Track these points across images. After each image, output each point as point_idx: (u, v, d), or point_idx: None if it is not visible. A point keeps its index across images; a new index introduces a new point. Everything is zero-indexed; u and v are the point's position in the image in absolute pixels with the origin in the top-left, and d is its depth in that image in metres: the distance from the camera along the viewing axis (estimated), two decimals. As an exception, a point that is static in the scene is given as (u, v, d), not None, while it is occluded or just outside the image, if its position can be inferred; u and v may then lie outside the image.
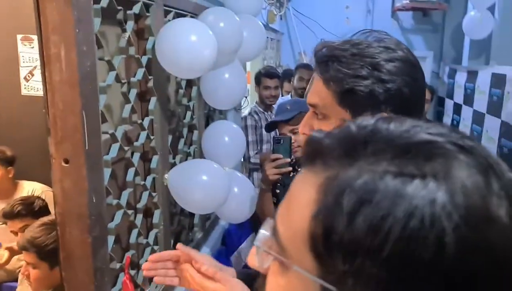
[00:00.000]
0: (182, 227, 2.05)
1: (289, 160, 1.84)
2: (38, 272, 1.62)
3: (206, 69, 1.52)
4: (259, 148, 3.20)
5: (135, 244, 1.49)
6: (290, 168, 1.87)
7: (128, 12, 1.38)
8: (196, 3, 1.92)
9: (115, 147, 1.30)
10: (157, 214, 1.63)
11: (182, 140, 1.92)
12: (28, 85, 3.04)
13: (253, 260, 0.43)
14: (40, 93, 3.02)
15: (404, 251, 0.31)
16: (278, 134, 2.00)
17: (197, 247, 2.15)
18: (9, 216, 2.09)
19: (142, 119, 1.52)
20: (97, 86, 1.13)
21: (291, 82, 3.81)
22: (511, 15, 3.81)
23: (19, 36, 2.93)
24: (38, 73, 2.98)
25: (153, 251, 1.60)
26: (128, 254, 1.41)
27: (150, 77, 1.52)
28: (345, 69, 0.74)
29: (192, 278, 0.93)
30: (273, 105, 3.32)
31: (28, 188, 2.67)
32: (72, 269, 1.14)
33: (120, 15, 1.34)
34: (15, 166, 2.64)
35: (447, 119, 4.96)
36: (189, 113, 2.00)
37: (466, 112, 4.18)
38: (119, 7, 1.30)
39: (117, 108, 1.44)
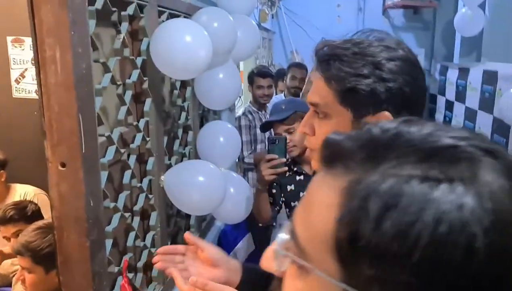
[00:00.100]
0: (179, 228, 2.04)
1: (284, 160, 1.84)
2: (33, 276, 1.60)
3: (202, 70, 1.52)
4: (253, 147, 3.20)
5: (132, 246, 1.47)
6: (286, 168, 1.87)
7: (123, 13, 1.36)
8: (189, 3, 1.91)
9: (111, 150, 1.29)
10: (153, 216, 1.62)
11: (177, 142, 1.91)
12: (19, 88, 3.01)
13: (269, 263, 0.43)
14: (32, 95, 3.00)
15: (433, 256, 0.30)
16: (273, 134, 2.00)
17: (194, 248, 2.14)
18: (2, 221, 2.07)
19: (138, 121, 1.51)
20: (93, 88, 1.12)
21: (284, 81, 3.81)
22: (501, 12, 3.84)
23: (9, 38, 2.89)
24: (29, 75, 2.96)
25: (150, 254, 1.59)
26: (126, 257, 1.40)
27: (145, 78, 1.51)
28: (346, 68, 0.74)
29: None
30: (267, 105, 3.32)
31: (21, 191, 2.64)
32: (70, 273, 1.13)
33: (114, 17, 1.33)
34: (7, 169, 2.61)
35: (439, 116, 4.99)
36: (183, 114, 1.99)
37: (458, 109, 4.21)
38: (114, 9, 1.29)
39: (112, 110, 1.43)
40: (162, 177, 1.63)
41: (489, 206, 0.31)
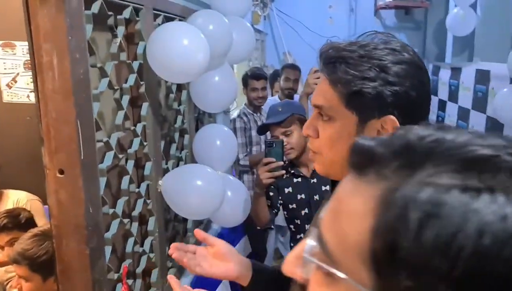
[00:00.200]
0: (176, 232, 2.03)
1: (282, 163, 1.83)
2: (30, 285, 1.58)
3: (199, 73, 1.51)
4: (248, 150, 3.19)
5: (131, 252, 1.46)
6: (283, 171, 1.86)
7: (119, 17, 1.35)
8: (184, 6, 1.90)
9: (109, 155, 1.28)
10: (151, 221, 1.61)
11: (174, 145, 1.90)
12: (10, 93, 2.97)
13: (291, 268, 0.42)
14: (24, 100, 2.97)
15: (476, 268, 0.30)
16: (270, 136, 1.99)
17: (191, 252, 2.12)
18: None
19: (135, 126, 1.50)
20: (91, 94, 1.11)
21: (278, 83, 3.80)
22: (493, 12, 3.87)
23: (-1, 43, 2.87)
24: (21, 80, 2.92)
25: (149, 259, 1.57)
26: (125, 264, 1.39)
27: (141, 82, 1.50)
28: (352, 71, 0.74)
29: None
30: (262, 107, 3.31)
31: (13, 197, 2.60)
32: (70, 282, 1.11)
33: (110, 21, 1.32)
34: (-1, 175, 2.58)
35: (432, 116, 5.01)
36: (179, 118, 1.98)
37: (451, 109, 4.23)
38: (110, 13, 1.28)
39: (109, 115, 1.42)
40: (160, 182, 1.62)
41: None
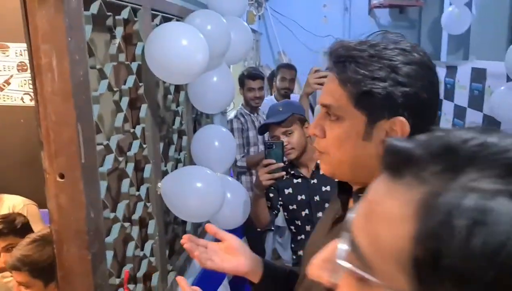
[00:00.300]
0: (176, 235, 2.01)
1: (282, 164, 1.82)
2: (32, 291, 1.55)
3: (198, 74, 1.49)
4: (245, 151, 3.17)
5: (131, 257, 1.44)
6: (283, 173, 1.85)
7: (117, 17, 1.33)
8: (181, 6, 1.87)
9: (109, 158, 1.25)
10: (152, 224, 1.59)
11: (172, 147, 1.88)
12: (3, 95, 2.93)
13: (318, 271, 0.40)
14: (18, 102, 2.94)
15: None
16: (270, 136, 1.97)
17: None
18: None
19: (134, 128, 1.48)
20: (91, 96, 1.08)
21: (274, 83, 3.78)
22: (488, 10, 3.87)
23: (-9, 44, 2.83)
24: (14, 82, 2.89)
25: (149, 263, 1.55)
26: (126, 268, 1.36)
27: (140, 84, 1.47)
28: (363, 70, 0.72)
29: None
30: (259, 107, 3.29)
31: (9, 202, 2.57)
32: (71, 288, 1.09)
33: (109, 21, 1.30)
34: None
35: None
36: (178, 119, 1.96)
37: (447, 107, 4.23)
38: (109, 13, 1.26)
39: (108, 117, 1.40)
40: (159, 184, 1.59)
41: None
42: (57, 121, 1.01)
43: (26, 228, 2.04)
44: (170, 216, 1.88)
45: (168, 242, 1.83)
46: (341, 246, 0.39)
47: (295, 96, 3.35)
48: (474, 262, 0.29)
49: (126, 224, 1.37)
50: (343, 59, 0.75)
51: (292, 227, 1.97)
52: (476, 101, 3.48)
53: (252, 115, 3.25)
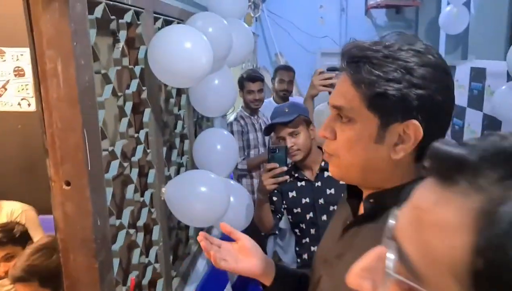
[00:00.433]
0: (179, 240, 1.98)
1: (285, 168, 1.80)
2: (39, 301, 1.52)
3: (202, 77, 1.47)
4: (246, 153, 3.15)
5: (137, 264, 1.41)
6: (287, 177, 1.83)
7: (120, 21, 1.31)
8: (182, 9, 1.86)
9: (114, 164, 1.23)
10: (156, 230, 1.57)
11: (175, 151, 1.86)
12: (0, 101, 2.90)
13: (358, 281, 0.38)
14: (15, 108, 2.90)
15: None
16: (275, 136, 1.94)
17: (194, 259, 2.08)
18: None
19: (137, 132, 1.45)
20: (96, 101, 1.06)
21: (273, 85, 3.76)
22: (486, 9, 3.87)
23: (-13, 49, 2.80)
24: (11, 88, 2.85)
25: (154, 270, 1.53)
26: (132, 276, 1.34)
27: (143, 88, 1.45)
28: (377, 72, 0.70)
29: None
30: (259, 109, 3.27)
31: (7, 208, 2.53)
32: (78, 297, 1.06)
33: (113, 25, 1.27)
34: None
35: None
36: (180, 123, 1.94)
37: (446, 107, 4.23)
38: (113, 17, 1.23)
39: (112, 123, 1.37)
40: (163, 189, 1.57)
41: None
42: (62, 127, 0.99)
43: (25, 237, 2.01)
44: (173, 221, 1.86)
45: (171, 248, 1.81)
46: (389, 255, 0.37)
47: (295, 99, 3.33)
48: None
49: (132, 231, 1.35)
50: (357, 59, 0.73)
51: (297, 230, 1.95)
52: (476, 101, 3.47)
53: (252, 117, 3.23)
